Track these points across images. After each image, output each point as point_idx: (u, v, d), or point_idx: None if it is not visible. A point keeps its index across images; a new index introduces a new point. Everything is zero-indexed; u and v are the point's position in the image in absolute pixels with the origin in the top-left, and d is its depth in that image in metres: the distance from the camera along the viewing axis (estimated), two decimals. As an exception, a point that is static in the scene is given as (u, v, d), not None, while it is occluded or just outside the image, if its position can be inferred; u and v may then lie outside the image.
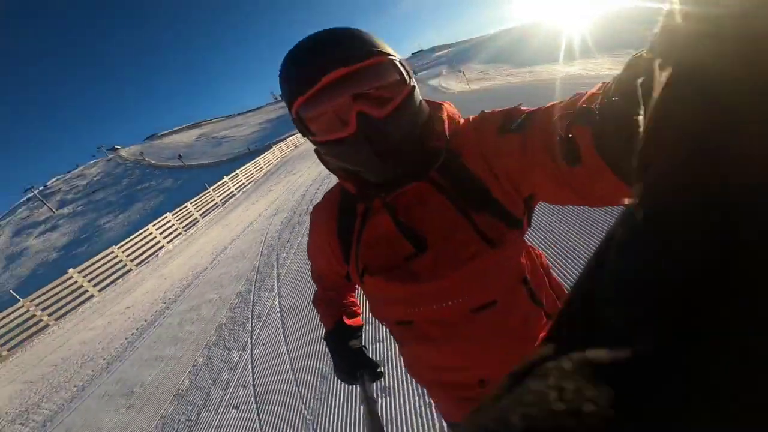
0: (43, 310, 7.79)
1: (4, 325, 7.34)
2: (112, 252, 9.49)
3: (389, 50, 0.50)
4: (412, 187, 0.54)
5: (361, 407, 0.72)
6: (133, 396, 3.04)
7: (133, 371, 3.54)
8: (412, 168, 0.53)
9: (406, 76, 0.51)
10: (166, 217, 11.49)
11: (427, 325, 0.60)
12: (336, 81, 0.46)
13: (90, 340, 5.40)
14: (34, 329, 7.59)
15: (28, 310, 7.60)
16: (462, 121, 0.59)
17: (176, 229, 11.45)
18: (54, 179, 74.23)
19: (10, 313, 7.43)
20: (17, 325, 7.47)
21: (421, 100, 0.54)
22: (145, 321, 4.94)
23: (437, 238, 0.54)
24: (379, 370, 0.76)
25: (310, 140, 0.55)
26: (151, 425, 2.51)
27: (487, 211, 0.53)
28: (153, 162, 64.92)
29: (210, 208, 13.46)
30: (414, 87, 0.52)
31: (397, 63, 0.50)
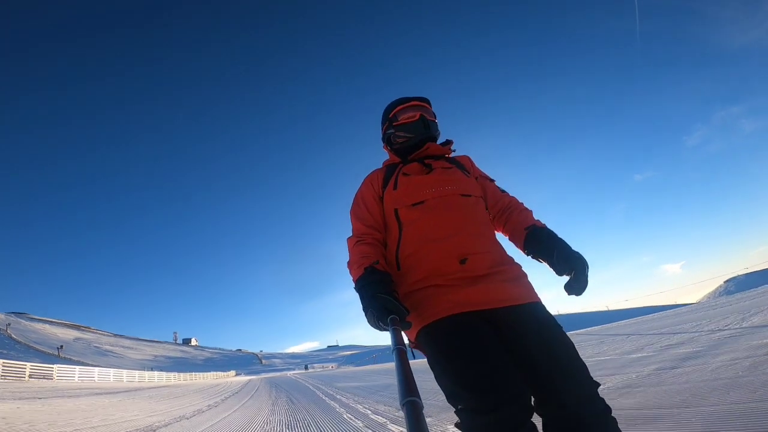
0: None
1: None
2: None
3: (431, 106, 1.36)
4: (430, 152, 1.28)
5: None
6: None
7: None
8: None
9: (435, 114, 1.35)
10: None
11: (433, 201, 1.11)
12: (416, 104, 1.34)
13: None
14: None
15: None
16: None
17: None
18: None
19: None
20: None
21: (438, 125, 1.33)
22: None
23: (438, 167, 1.22)
24: (408, 319, 0.84)
25: (392, 126, 1.33)
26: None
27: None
28: (15, 337, 64.05)
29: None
30: (437, 120, 1.35)
31: (432, 109, 1.35)
